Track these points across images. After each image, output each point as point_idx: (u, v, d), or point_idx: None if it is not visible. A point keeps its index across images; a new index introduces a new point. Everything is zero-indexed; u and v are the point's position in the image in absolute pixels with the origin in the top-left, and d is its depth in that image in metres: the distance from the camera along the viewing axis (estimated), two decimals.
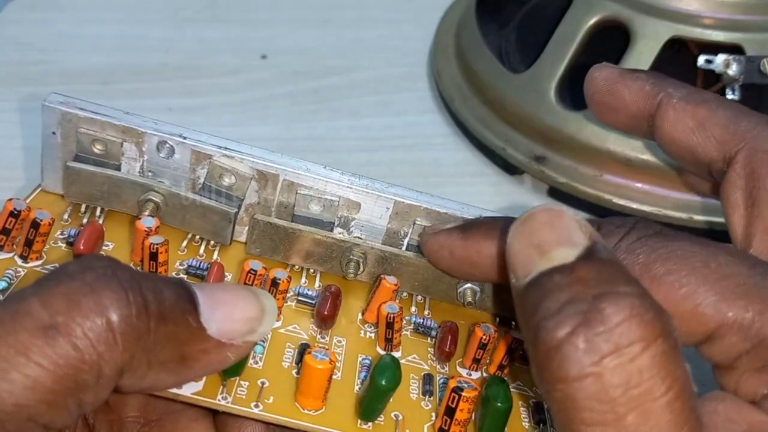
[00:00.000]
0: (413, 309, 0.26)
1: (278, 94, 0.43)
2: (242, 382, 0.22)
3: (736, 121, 0.23)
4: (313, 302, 0.25)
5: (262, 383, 0.22)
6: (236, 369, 0.21)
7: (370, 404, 0.22)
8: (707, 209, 0.34)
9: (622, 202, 0.35)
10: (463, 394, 0.21)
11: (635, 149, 0.34)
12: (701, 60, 0.33)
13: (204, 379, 0.21)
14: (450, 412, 0.21)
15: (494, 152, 0.38)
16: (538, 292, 0.18)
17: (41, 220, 0.23)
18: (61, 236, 0.25)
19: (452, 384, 0.21)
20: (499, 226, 0.22)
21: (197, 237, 0.26)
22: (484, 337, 0.24)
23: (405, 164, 0.39)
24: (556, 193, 0.36)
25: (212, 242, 0.26)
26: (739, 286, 0.19)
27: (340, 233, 0.26)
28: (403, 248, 0.26)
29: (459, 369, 0.24)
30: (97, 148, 0.25)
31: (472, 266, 0.23)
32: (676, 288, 0.19)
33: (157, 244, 0.23)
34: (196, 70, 0.44)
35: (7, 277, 0.23)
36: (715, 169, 0.24)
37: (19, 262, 0.23)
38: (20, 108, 0.42)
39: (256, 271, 0.23)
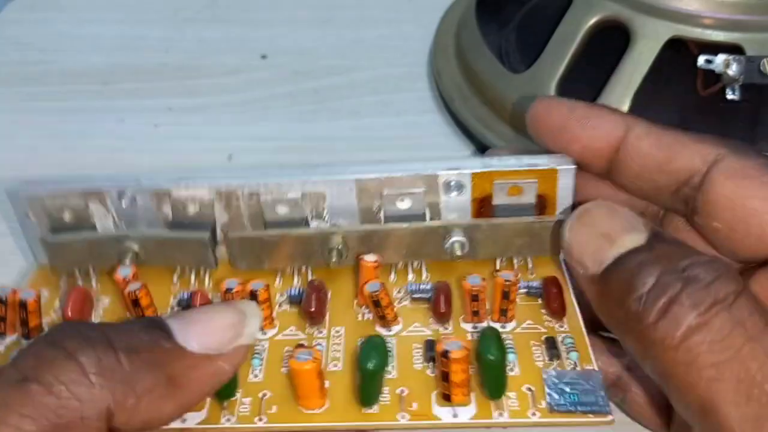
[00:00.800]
0: (411, 277, 0.26)
1: (278, 94, 0.43)
2: (243, 399, 0.22)
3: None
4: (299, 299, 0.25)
5: (263, 395, 0.22)
6: (229, 389, 0.22)
7: (365, 390, 0.21)
8: None
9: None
10: (451, 356, 0.21)
11: None
12: (701, 60, 0.33)
13: (206, 407, 0.22)
14: (445, 377, 0.21)
15: None
16: (625, 272, 0.20)
17: (26, 300, 0.24)
18: (60, 305, 0.26)
19: (439, 349, 0.21)
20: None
21: (187, 269, 0.26)
22: (473, 288, 0.23)
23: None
24: None
25: (202, 270, 0.26)
26: None
27: (315, 226, 0.26)
28: (382, 222, 0.26)
29: (463, 325, 0.24)
30: (68, 217, 0.26)
31: (588, 129, 0.24)
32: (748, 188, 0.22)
33: (135, 291, 0.24)
34: (196, 70, 0.44)
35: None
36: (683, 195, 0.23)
37: (24, 342, 0.25)
38: (20, 108, 0.42)
39: (232, 289, 0.24)
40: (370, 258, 0.25)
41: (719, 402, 0.18)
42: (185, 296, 0.25)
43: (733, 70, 0.32)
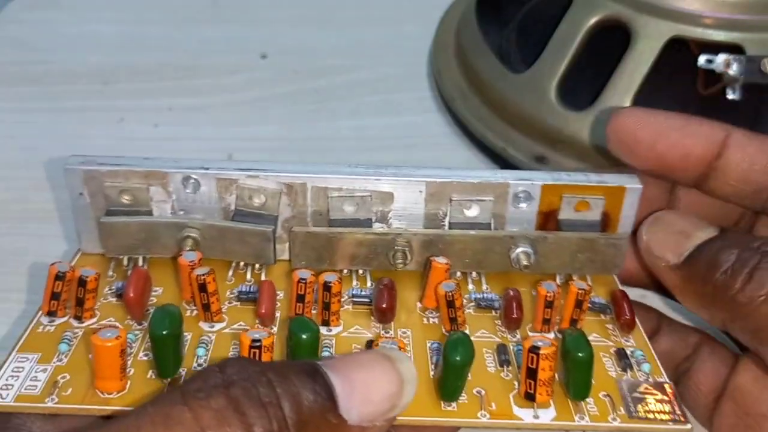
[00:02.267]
0: (470, 287, 0.26)
1: (278, 94, 0.43)
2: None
3: None
4: (369, 300, 0.25)
5: None
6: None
7: (450, 383, 0.21)
8: None
9: None
10: (541, 351, 0.21)
11: None
12: (702, 60, 0.32)
13: None
14: (532, 373, 0.21)
15: (494, 152, 0.38)
16: (707, 256, 0.23)
17: (87, 277, 0.23)
18: (109, 291, 0.25)
19: (527, 345, 0.21)
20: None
21: (242, 264, 0.26)
22: (548, 294, 0.24)
23: (405, 164, 0.38)
24: None
25: (257, 266, 0.26)
26: None
27: (380, 228, 0.26)
28: (446, 228, 0.26)
29: (530, 334, 0.24)
30: (126, 199, 0.25)
31: (680, 148, 0.25)
32: None
33: (203, 275, 0.23)
34: (196, 70, 0.44)
35: (66, 339, 0.23)
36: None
37: (75, 323, 0.24)
38: (20, 108, 0.42)
39: (305, 279, 0.24)
40: (441, 260, 0.25)
41: None
42: (251, 289, 0.25)
43: (733, 70, 0.32)
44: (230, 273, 0.26)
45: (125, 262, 0.26)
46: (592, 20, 0.35)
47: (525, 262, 0.25)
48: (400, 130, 0.40)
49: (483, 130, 0.38)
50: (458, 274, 0.26)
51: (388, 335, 0.24)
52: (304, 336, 0.21)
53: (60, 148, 0.39)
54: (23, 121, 0.41)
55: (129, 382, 0.22)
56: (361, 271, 0.26)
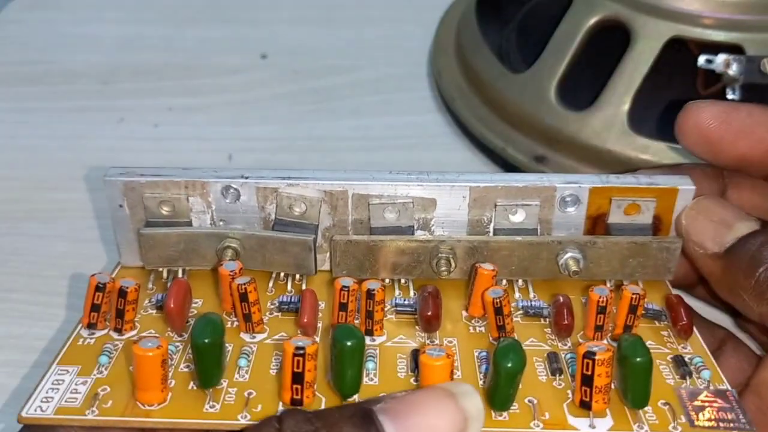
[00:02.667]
0: (517, 295, 0.25)
1: (278, 94, 0.43)
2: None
3: None
4: (413, 309, 0.24)
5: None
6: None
7: (501, 391, 0.21)
8: None
9: None
10: (597, 357, 0.20)
11: (635, 149, 0.34)
12: (701, 60, 0.32)
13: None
14: (587, 380, 0.20)
15: (494, 152, 0.38)
16: (750, 250, 0.23)
17: (127, 288, 0.23)
18: (149, 303, 0.25)
19: (582, 350, 0.20)
20: None
21: (282, 275, 0.26)
22: (601, 299, 0.23)
23: (405, 164, 0.38)
24: None
25: (297, 276, 0.26)
26: None
27: (422, 235, 0.25)
28: (491, 234, 0.25)
29: (582, 342, 0.23)
30: (165, 210, 0.25)
31: (747, 134, 0.25)
32: None
33: (244, 284, 0.23)
34: (196, 70, 0.44)
35: (107, 351, 0.23)
36: None
37: (115, 335, 0.24)
38: (20, 108, 0.42)
39: (348, 287, 0.23)
40: (487, 266, 0.24)
41: None
42: (292, 299, 0.25)
43: (733, 70, 0.32)
44: (270, 284, 0.26)
45: (165, 274, 0.26)
46: (592, 20, 0.35)
47: (574, 268, 0.24)
48: (400, 130, 0.40)
49: (483, 130, 0.38)
50: (504, 282, 0.25)
51: (433, 344, 0.23)
52: (348, 343, 0.21)
53: (60, 148, 0.39)
54: (23, 121, 0.41)
55: (170, 394, 0.21)
56: (403, 281, 0.25)
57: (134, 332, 0.24)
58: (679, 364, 0.23)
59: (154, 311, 0.25)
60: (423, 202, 0.25)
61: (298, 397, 0.21)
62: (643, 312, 0.24)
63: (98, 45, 0.46)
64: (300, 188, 0.25)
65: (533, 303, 0.25)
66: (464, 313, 0.25)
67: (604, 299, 0.23)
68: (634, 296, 0.23)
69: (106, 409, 0.21)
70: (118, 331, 0.24)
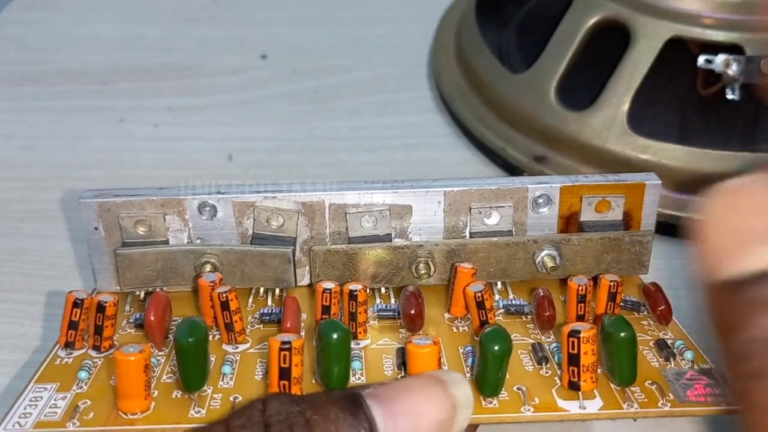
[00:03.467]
0: (496, 297, 0.26)
1: (278, 94, 0.43)
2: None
3: None
4: (395, 314, 0.25)
5: None
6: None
7: (490, 376, 0.21)
8: None
9: None
10: (582, 335, 0.21)
11: (635, 149, 0.34)
12: (701, 60, 0.32)
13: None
14: (574, 359, 0.21)
15: (494, 152, 0.38)
16: (745, 301, 0.16)
17: (106, 302, 0.23)
18: (127, 323, 0.25)
19: (566, 330, 0.21)
20: None
21: (261, 291, 0.26)
22: (580, 288, 0.23)
23: (405, 164, 0.39)
24: None
25: (277, 292, 0.26)
26: None
27: (400, 241, 0.25)
28: (467, 238, 0.26)
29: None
30: (141, 230, 0.25)
31: None
32: None
33: (225, 292, 0.23)
34: (196, 70, 0.44)
35: (86, 366, 0.23)
36: None
37: (93, 354, 0.23)
38: (20, 108, 0.42)
39: (330, 289, 0.23)
40: (467, 265, 0.24)
41: None
42: (273, 311, 0.25)
43: (733, 70, 0.32)
44: (250, 300, 0.26)
45: (142, 296, 0.26)
46: (592, 20, 0.35)
47: (551, 264, 0.25)
48: (400, 130, 0.40)
49: (482, 130, 0.38)
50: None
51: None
52: (335, 336, 0.21)
53: (60, 148, 0.39)
54: (23, 121, 0.41)
55: (153, 403, 0.21)
56: (383, 290, 0.26)
57: (113, 350, 0.23)
58: (662, 347, 0.23)
59: (133, 330, 0.25)
60: (399, 209, 0.25)
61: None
62: (621, 303, 0.24)
63: (98, 45, 0.46)
64: (276, 201, 0.25)
65: (513, 302, 0.25)
66: (446, 315, 0.25)
67: (583, 287, 0.24)
68: (612, 283, 0.24)
69: (87, 420, 0.21)
70: (97, 348, 0.23)
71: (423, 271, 0.25)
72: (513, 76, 0.38)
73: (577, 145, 0.35)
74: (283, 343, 0.20)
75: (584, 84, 0.35)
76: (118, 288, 0.25)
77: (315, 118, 0.41)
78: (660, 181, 0.26)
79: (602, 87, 0.35)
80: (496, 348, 0.21)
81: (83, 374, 0.22)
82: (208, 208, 0.25)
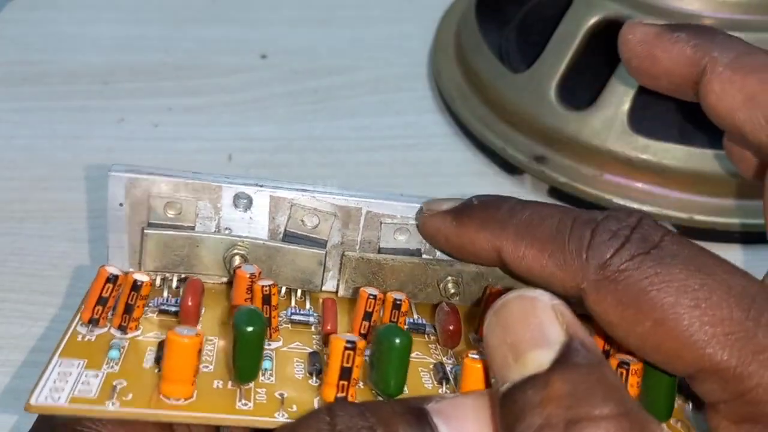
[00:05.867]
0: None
1: (278, 94, 0.43)
2: None
3: None
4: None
5: None
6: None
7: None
8: (708, 209, 0.34)
9: (622, 201, 0.35)
10: (632, 368, 0.20)
11: (635, 149, 0.34)
12: None
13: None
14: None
15: (494, 152, 0.38)
16: (513, 409, 0.17)
17: (142, 282, 0.22)
18: (147, 307, 0.23)
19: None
20: (494, 214, 0.22)
21: (282, 291, 0.25)
22: (369, 299, 0.23)
23: (405, 164, 0.39)
24: (556, 193, 0.36)
25: (299, 293, 0.25)
26: (727, 335, 0.18)
27: (435, 258, 0.25)
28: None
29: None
30: (170, 212, 0.24)
31: (470, 255, 0.23)
32: (662, 323, 0.19)
33: (268, 286, 0.22)
34: (196, 70, 0.44)
35: (116, 345, 0.21)
36: (765, 154, 0.22)
37: (117, 334, 0.22)
38: (20, 108, 0.42)
39: (375, 295, 0.23)
40: (500, 288, 0.24)
41: None
42: (301, 311, 0.24)
43: None
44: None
45: (158, 282, 0.24)
46: (592, 20, 0.35)
47: (453, 291, 0.25)
48: (400, 130, 0.40)
49: (483, 130, 0.38)
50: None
51: (450, 361, 0.23)
52: (397, 341, 0.20)
53: (60, 148, 0.39)
54: (23, 121, 0.41)
55: (196, 391, 0.20)
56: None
57: (138, 333, 0.22)
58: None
59: (155, 315, 0.23)
60: None
61: (344, 394, 0.20)
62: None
63: (98, 45, 0.46)
64: (315, 201, 0.24)
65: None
66: (472, 335, 0.24)
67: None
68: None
69: (127, 401, 0.20)
70: (122, 329, 0.22)
71: (453, 291, 0.24)
72: (513, 76, 0.38)
73: (577, 145, 0.35)
74: (348, 342, 0.20)
75: (584, 84, 0.35)
76: (131, 270, 0.24)
77: (315, 118, 0.41)
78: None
79: (602, 87, 0.35)
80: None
81: (114, 353, 0.21)
82: (244, 200, 0.24)
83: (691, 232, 0.33)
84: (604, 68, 0.35)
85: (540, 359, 0.17)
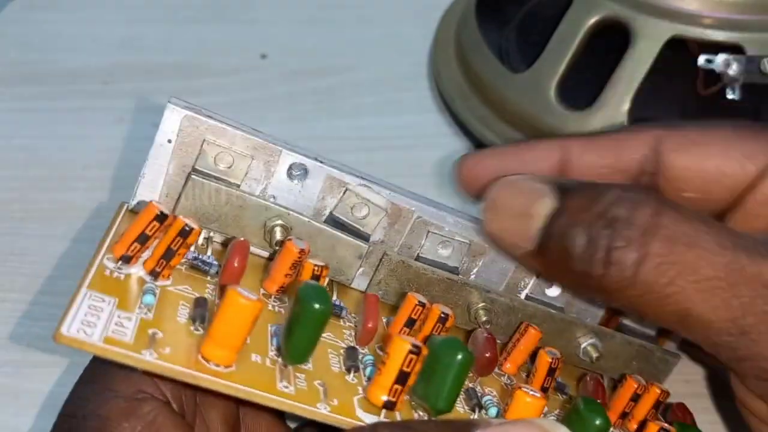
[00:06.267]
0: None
1: (278, 93, 0.43)
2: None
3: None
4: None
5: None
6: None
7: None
8: None
9: None
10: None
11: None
12: (701, 60, 0.32)
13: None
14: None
15: None
16: (555, 241, 0.21)
17: (191, 228, 0.20)
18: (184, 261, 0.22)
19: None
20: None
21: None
22: (552, 362, 0.23)
23: (405, 164, 0.39)
24: None
25: (324, 282, 0.23)
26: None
27: (473, 279, 0.25)
28: (522, 298, 0.25)
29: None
30: (221, 164, 0.22)
31: (527, 164, 0.25)
32: (701, 153, 0.23)
33: (321, 266, 0.21)
34: (196, 69, 0.44)
35: (150, 290, 0.20)
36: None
37: (147, 279, 0.20)
38: (20, 108, 0.42)
39: (424, 303, 0.22)
40: (537, 328, 0.24)
41: (690, 308, 0.20)
42: (336, 303, 0.23)
43: (733, 70, 0.32)
44: None
45: (220, 240, 0.23)
46: (592, 20, 0.35)
47: (595, 354, 0.25)
48: (400, 130, 0.40)
49: (483, 130, 0.38)
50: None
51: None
52: (459, 357, 0.20)
53: (60, 148, 0.39)
54: (23, 121, 0.41)
55: (237, 363, 0.19)
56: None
57: (168, 282, 0.21)
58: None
59: (184, 268, 0.22)
60: (476, 247, 0.24)
61: (394, 399, 0.19)
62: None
63: (98, 45, 0.46)
64: (370, 192, 0.24)
65: (561, 382, 0.25)
66: (495, 370, 0.24)
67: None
68: (638, 386, 0.24)
69: (165, 355, 0.18)
70: (155, 275, 0.20)
71: (485, 318, 0.24)
72: (513, 76, 0.38)
73: None
74: (414, 346, 0.19)
75: (584, 84, 0.35)
76: (163, 209, 0.21)
77: (315, 118, 0.41)
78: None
79: (602, 87, 0.35)
80: (599, 423, 0.20)
81: (149, 299, 0.19)
82: (299, 171, 0.23)
83: None
84: (604, 68, 0.35)
85: (547, 205, 0.21)
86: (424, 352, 0.19)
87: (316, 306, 0.19)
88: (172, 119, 0.22)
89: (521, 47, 0.40)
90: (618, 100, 0.34)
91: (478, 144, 0.39)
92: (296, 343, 0.19)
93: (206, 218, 0.22)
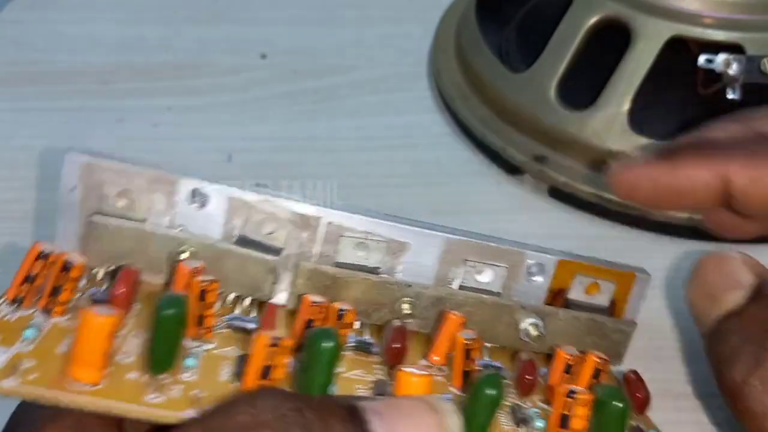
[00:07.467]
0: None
1: (278, 93, 0.43)
2: None
3: None
4: (371, 347, 0.24)
5: None
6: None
7: (475, 423, 0.20)
8: None
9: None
10: (578, 396, 0.20)
11: (636, 149, 0.34)
12: (702, 59, 0.32)
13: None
14: (564, 422, 0.21)
15: (494, 152, 0.38)
16: (717, 338, 0.20)
17: (73, 263, 0.21)
18: (82, 296, 0.22)
19: (562, 390, 0.20)
20: (714, 144, 0.24)
21: (229, 299, 0.24)
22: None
23: (405, 164, 0.39)
24: (557, 193, 0.36)
25: (247, 302, 0.24)
26: None
27: (391, 277, 0.24)
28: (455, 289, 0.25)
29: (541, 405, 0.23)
30: (122, 203, 0.23)
31: (686, 194, 0.24)
32: None
33: (207, 282, 0.21)
34: (196, 70, 0.44)
35: (34, 326, 0.20)
36: None
37: (41, 318, 0.21)
38: (20, 108, 0.42)
39: (319, 303, 0.22)
40: (457, 313, 0.24)
41: None
42: (245, 318, 0.23)
43: (733, 70, 0.32)
44: (218, 304, 0.23)
45: (100, 275, 0.23)
46: (592, 20, 0.35)
47: (535, 334, 0.25)
48: (400, 130, 0.40)
49: (483, 130, 0.38)
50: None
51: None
52: (324, 345, 0.20)
53: (60, 148, 0.39)
54: (23, 121, 0.41)
55: (105, 380, 0.19)
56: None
57: (65, 318, 0.21)
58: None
59: (89, 304, 0.22)
60: (396, 245, 0.24)
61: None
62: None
63: (98, 45, 0.46)
64: (274, 206, 0.24)
65: (491, 363, 0.25)
66: (423, 361, 0.24)
67: (573, 358, 0.23)
68: (599, 361, 0.24)
69: (29, 380, 0.18)
70: (47, 312, 0.21)
71: (408, 311, 0.24)
72: (513, 76, 0.38)
73: (577, 145, 0.35)
74: (273, 338, 0.19)
75: (584, 84, 0.35)
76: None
77: (315, 118, 0.41)
78: (650, 276, 0.26)
79: (602, 87, 0.35)
80: (491, 393, 0.20)
81: (30, 333, 0.20)
82: (199, 196, 0.23)
83: (691, 231, 0.33)
84: (604, 68, 0.35)
85: (735, 297, 0.21)
86: (285, 343, 0.20)
87: (168, 312, 0.19)
88: (72, 169, 0.23)
89: (521, 47, 0.40)
90: (618, 100, 0.34)
91: (479, 144, 0.39)
92: (155, 350, 0.20)
93: (117, 257, 0.23)
